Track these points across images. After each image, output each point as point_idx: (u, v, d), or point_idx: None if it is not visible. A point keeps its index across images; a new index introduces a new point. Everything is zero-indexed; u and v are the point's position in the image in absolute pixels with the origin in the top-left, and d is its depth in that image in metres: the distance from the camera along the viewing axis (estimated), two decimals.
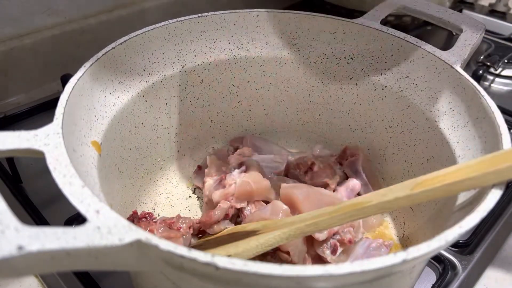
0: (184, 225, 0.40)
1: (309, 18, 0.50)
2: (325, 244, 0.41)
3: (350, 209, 0.33)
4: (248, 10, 0.50)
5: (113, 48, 0.41)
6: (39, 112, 0.62)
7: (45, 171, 0.27)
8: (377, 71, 0.48)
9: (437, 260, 0.45)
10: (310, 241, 0.41)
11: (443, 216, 0.37)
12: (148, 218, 0.42)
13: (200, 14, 0.48)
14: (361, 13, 0.50)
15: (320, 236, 0.40)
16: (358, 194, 0.49)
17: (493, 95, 0.73)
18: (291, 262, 0.39)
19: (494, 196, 0.29)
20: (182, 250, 0.23)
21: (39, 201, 0.49)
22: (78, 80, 0.36)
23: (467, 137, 0.38)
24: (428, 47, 0.45)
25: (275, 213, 0.40)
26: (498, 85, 0.76)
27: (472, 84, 0.39)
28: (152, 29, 0.45)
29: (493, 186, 0.29)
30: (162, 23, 0.46)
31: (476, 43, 0.46)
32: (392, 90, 0.47)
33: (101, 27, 0.71)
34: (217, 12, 0.49)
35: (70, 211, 0.42)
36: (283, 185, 0.45)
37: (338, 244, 0.41)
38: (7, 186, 0.51)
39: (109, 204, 0.31)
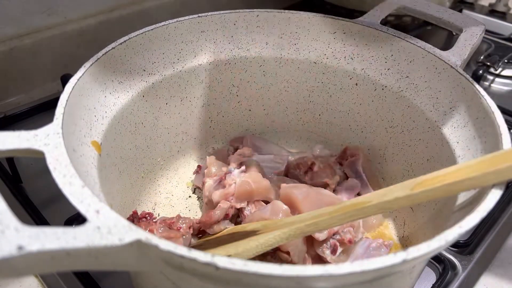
0: (184, 225, 0.40)
1: (309, 18, 0.50)
2: (325, 244, 0.41)
3: (350, 209, 0.33)
4: (248, 10, 0.50)
5: (113, 48, 0.41)
6: (39, 112, 0.62)
7: (45, 171, 0.27)
8: (377, 71, 0.48)
9: (437, 260, 0.45)
10: (310, 241, 0.41)
11: (443, 216, 0.37)
12: (148, 218, 0.42)
13: (200, 14, 0.48)
14: (361, 13, 0.50)
15: (320, 236, 0.40)
16: (358, 194, 0.50)
17: (493, 95, 0.73)
18: (291, 262, 0.39)
19: (494, 196, 0.29)
20: (182, 250, 0.23)
21: (39, 201, 0.49)
22: (78, 80, 0.36)
23: (467, 137, 0.38)
24: (428, 47, 0.45)
25: (275, 213, 0.40)
26: (498, 85, 0.76)
27: (472, 84, 0.39)
28: (152, 29, 0.45)
29: (493, 186, 0.29)
30: (162, 23, 0.46)
31: (476, 43, 0.46)
32: (392, 90, 0.47)
33: (101, 27, 0.71)
34: (217, 12, 0.49)
35: (70, 211, 0.42)
36: (283, 185, 0.45)
37: (338, 244, 0.41)
38: (7, 186, 0.51)
39: (109, 204, 0.31)
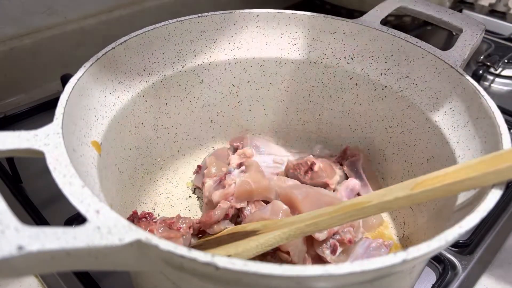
0: (184, 225, 0.40)
1: (309, 18, 0.50)
2: (325, 244, 0.41)
3: (350, 209, 0.33)
4: (248, 10, 0.50)
5: (113, 48, 0.41)
6: (39, 112, 0.62)
7: (45, 171, 0.27)
8: (377, 71, 0.48)
9: (437, 260, 0.45)
10: (310, 241, 0.41)
11: (443, 216, 0.37)
12: (148, 218, 0.42)
13: (200, 14, 0.48)
14: (361, 13, 0.50)
15: (320, 236, 0.40)
16: (358, 194, 0.50)
17: (493, 95, 0.73)
18: (291, 262, 0.39)
19: (494, 196, 0.29)
20: (182, 250, 0.23)
21: (39, 201, 0.49)
22: (78, 80, 0.36)
23: (467, 137, 0.38)
24: (428, 47, 0.45)
25: (275, 213, 0.40)
26: (498, 85, 0.76)
27: (472, 84, 0.39)
28: (152, 29, 0.45)
29: (493, 186, 0.29)
30: (162, 23, 0.46)
31: (476, 43, 0.46)
32: (392, 90, 0.47)
33: (101, 27, 0.71)
34: (217, 12, 0.49)
35: (70, 211, 0.42)
36: (283, 185, 0.45)
37: (337, 244, 0.41)
38: (7, 186, 0.51)
39: (109, 204, 0.31)
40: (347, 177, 0.51)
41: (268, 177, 0.48)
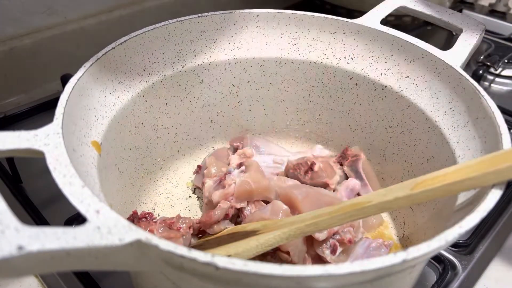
0: (184, 225, 0.40)
1: (309, 18, 0.50)
2: (324, 244, 0.41)
3: (350, 209, 0.33)
4: (248, 10, 0.50)
5: (113, 48, 0.41)
6: (39, 112, 0.62)
7: (45, 171, 0.27)
8: (377, 71, 0.48)
9: (437, 260, 0.45)
10: (310, 241, 0.41)
11: (443, 216, 0.37)
12: (148, 218, 0.42)
13: (200, 14, 0.48)
14: (361, 13, 0.50)
15: (320, 236, 0.40)
16: (358, 194, 0.50)
17: (493, 95, 0.73)
18: (291, 262, 0.39)
19: (494, 196, 0.29)
20: (182, 250, 0.23)
21: (39, 201, 0.49)
22: (78, 80, 0.36)
23: (467, 137, 0.39)
24: (428, 47, 0.45)
25: (275, 213, 0.40)
26: (498, 85, 0.76)
27: (472, 84, 0.39)
28: (152, 29, 0.45)
29: (493, 186, 0.29)
30: (162, 23, 0.46)
31: (476, 43, 0.46)
32: (392, 90, 0.47)
33: (101, 27, 0.71)
34: (217, 12, 0.49)
35: (70, 211, 0.42)
36: (283, 185, 0.45)
37: (337, 244, 0.40)
38: (7, 186, 0.51)
39: (109, 204, 0.31)
40: (347, 177, 0.51)
41: (268, 177, 0.48)
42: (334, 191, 0.48)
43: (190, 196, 0.52)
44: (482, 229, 0.48)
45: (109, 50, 0.41)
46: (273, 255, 0.39)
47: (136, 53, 0.44)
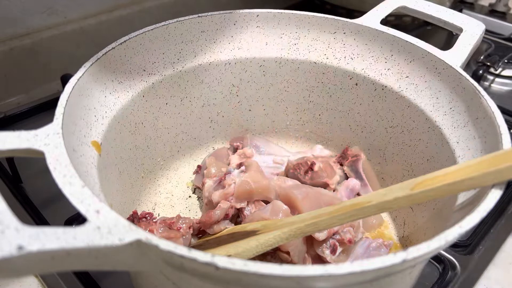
0: (184, 225, 0.40)
1: (309, 18, 0.50)
2: (324, 244, 0.41)
3: (350, 209, 0.33)
4: (248, 10, 0.50)
5: (113, 48, 0.41)
6: (39, 112, 0.62)
7: (45, 171, 0.27)
8: (377, 71, 0.48)
9: (437, 260, 0.45)
10: (310, 241, 0.41)
11: (443, 216, 0.37)
12: (148, 218, 0.42)
13: (200, 14, 0.48)
14: (361, 13, 0.50)
15: (320, 236, 0.40)
16: (358, 194, 0.50)
17: (493, 95, 0.73)
18: (291, 262, 0.39)
19: (494, 196, 0.29)
20: (182, 250, 0.23)
21: (39, 201, 0.49)
22: (78, 80, 0.36)
23: (467, 137, 0.39)
24: (428, 47, 0.45)
25: (275, 213, 0.40)
26: (498, 85, 0.76)
27: (472, 84, 0.39)
28: (152, 29, 0.45)
29: (493, 186, 0.29)
30: (162, 23, 0.46)
31: (476, 43, 0.46)
32: (392, 90, 0.47)
33: (101, 27, 0.71)
34: (217, 12, 0.49)
35: (70, 211, 0.42)
36: (283, 185, 0.45)
37: (337, 244, 0.41)
38: (7, 186, 0.51)
39: (109, 204, 0.31)
40: (347, 177, 0.51)
41: (268, 177, 0.48)
42: (334, 191, 0.48)
43: (190, 196, 0.52)
44: (482, 229, 0.48)
45: (109, 50, 0.41)
46: (273, 255, 0.39)
47: (136, 53, 0.44)
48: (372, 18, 0.49)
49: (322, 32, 0.50)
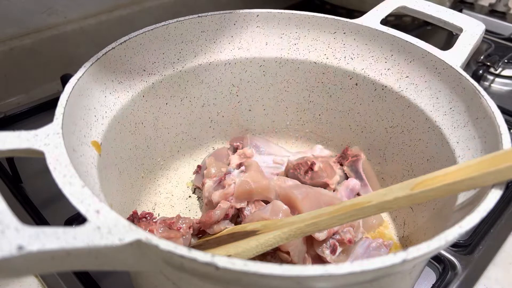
0: (184, 225, 0.40)
1: (309, 18, 0.50)
2: (324, 244, 0.41)
3: (350, 209, 0.33)
4: (248, 10, 0.50)
5: (113, 48, 0.41)
6: (39, 112, 0.62)
7: (45, 171, 0.27)
8: (377, 71, 0.48)
9: (437, 260, 0.45)
10: (310, 241, 0.41)
11: (443, 216, 0.37)
12: (148, 218, 0.42)
13: (200, 14, 0.48)
14: (361, 13, 0.50)
15: (320, 236, 0.40)
16: (358, 194, 0.50)
17: (493, 95, 0.73)
18: (291, 262, 0.39)
19: (494, 196, 0.29)
20: (182, 250, 0.23)
21: (39, 201, 0.49)
22: (78, 80, 0.36)
23: (467, 137, 0.39)
24: (428, 47, 0.45)
25: (275, 213, 0.40)
26: (498, 85, 0.76)
27: (472, 84, 0.39)
28: (152, 29, 0.45)
29: (493, 186, 0.29)
30: (162, 23, 0.46)
31: (476, 43, 0.46)
32: (392, 90, 0.47)
33: (101, 27, 0.71)
34: (217, 12, 0.49)
35: (70, 211, 0.42)
36: (283, 185, 0.45)
37: (337, 244, 0.41)
38: (7, 186, 0.51)
39: (109, 204, 0.31)
40: (347, 177, 0.51)
41: (268, 177, 0.48)
42: (334, 191, 0.48)
43: (190, 196, 0.52)
44: (482, 229, 0.48)
45: (109, 50, 0.41)
46: (273, 255, 0.39)
47: (136, 53, 0.44)
48: (372, 18, 0.49)
49: (322, 32, 0.50)
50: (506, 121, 0.35)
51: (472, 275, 0.44)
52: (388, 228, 0.48)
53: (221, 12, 0.49)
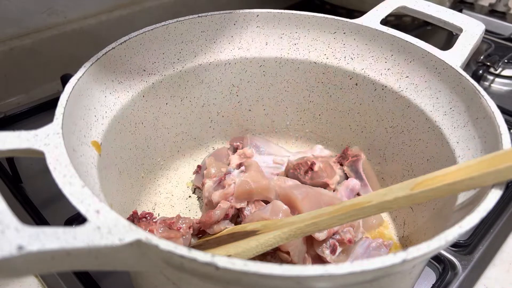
0: (184, 225, 0.40)
1: (309, 18, 0.50)
2: (324, 244, 0.41)
3: (350, 209, 0.33)
4: (248, 10, 0.50)
5: (113, 48, 0.41)
6: (39, 112, 0.62)
7: (45, 171, 0.27)
8: (377, 71, 0.48)
9: (437, 260, 0.45)
10: (310, 241, 0.41)
11: (443, 216, 0.37)
12: (148, 218, 0.42)
13: (200, 14, 0.48)
14: (361, 13, 0.50)
15: (320, 236, 0.40)
16: (358, 194, 0.50)
17: (493, 95, 0.73)
18: (291, 262, 0.39)
19: (494, 196, 0.29)
20: (182, 250, 0.23)
21: (39, 201, 0.49)
22: (78, 80, 0.36)
23: (467, 137, 0.39)
24: (428, 47, 0.45)
25: (275, 213, 0.40)
26: (498, 85, 0.76)
27: (472, 84, 0.39)
28: (152, 29, 0.45)
29: (493, 186, 0.29)
30: (162, 23, 0.46)
31: (476, 43, 0.46)
32: (392, 90, 0.47)
33: (101, 27, 0.71)
34: (217, 12, 0.49)
35: (70, 211, 0.42)
36: (283, 185, 0.45)
37: (337, 244, 0.41)
38: (7, 186, 0.51)
39: (109, 204, 0.31)
40: (347, 177, 0.51)
41: (268, 177, 0.48)
42: (334, 191, 0.48)
43: (190, 196, 0.52)
44: (482, 229, 0.48)
45: (109, 50, 0.41)
46: (273, 255, 0.39)
47: (136, 53, 0.44)
48: (372, 18, 0.49)
49: (322, 32, 0.50)
50: (506, 121, 0.35)
51: (472, 275, 0.44)
52: (388, 228, 0.48)
53: (221, 12, 0.49)
